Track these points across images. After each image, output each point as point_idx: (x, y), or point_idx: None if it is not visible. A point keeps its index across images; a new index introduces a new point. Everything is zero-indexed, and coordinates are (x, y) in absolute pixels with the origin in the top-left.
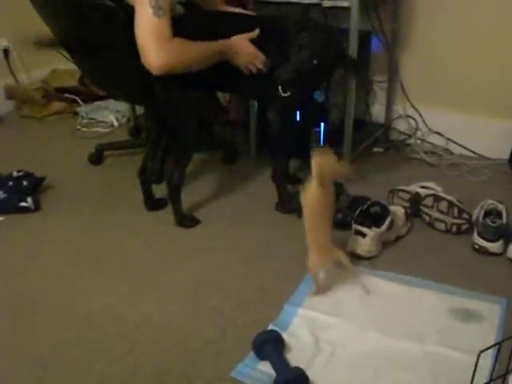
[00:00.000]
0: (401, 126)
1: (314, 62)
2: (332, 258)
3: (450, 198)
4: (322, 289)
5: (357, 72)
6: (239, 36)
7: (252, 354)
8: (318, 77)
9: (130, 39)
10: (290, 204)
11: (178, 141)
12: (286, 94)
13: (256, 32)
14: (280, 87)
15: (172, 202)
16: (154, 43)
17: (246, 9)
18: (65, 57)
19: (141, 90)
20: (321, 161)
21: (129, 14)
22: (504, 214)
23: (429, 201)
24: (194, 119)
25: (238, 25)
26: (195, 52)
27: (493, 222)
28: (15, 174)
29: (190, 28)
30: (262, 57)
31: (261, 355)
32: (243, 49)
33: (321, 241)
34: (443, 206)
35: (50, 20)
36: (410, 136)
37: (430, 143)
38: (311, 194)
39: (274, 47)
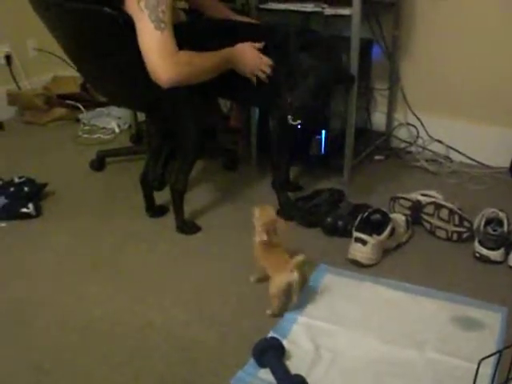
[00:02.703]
0: (402, 133)
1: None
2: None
3: (450, 205)
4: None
5: (353, 86)
6: (244, 43)
7: (252, 361)
8: (323, 100)
9: (130, 46)
10: (290, 211)
11: (182, 147)
12: (295, 123)
13: (261, 44)
14: (290, 116)
15: (175, 208)
16: (160, 59)
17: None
18: (67, 63)
19: (144, 96)
20: (261, 212)
21: (128, 20)
22: (505, 223)
23: (430, 208)
24: (198, 125)
25: (242, 32)
26: (202, 63)
27: (494, 231)
28: (17, 179)
29: (194, 36)
30: (267, 61)
31: (261, 362)
32: (249, 55)
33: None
34: (444, 213)
35: (53, 27)
36: (410, 144)
37: (430, 151)
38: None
39: (275, 57)
